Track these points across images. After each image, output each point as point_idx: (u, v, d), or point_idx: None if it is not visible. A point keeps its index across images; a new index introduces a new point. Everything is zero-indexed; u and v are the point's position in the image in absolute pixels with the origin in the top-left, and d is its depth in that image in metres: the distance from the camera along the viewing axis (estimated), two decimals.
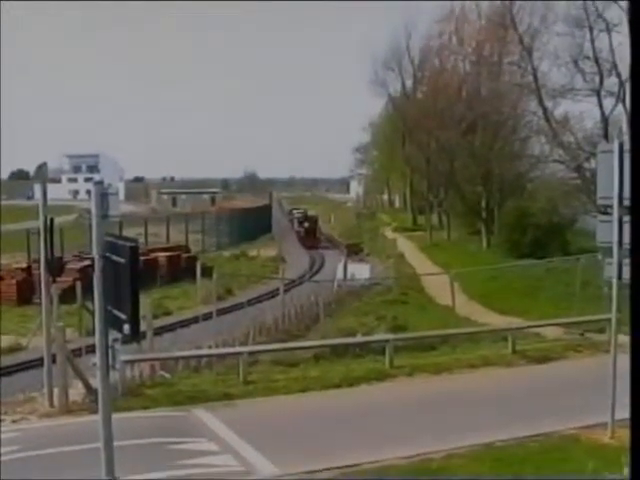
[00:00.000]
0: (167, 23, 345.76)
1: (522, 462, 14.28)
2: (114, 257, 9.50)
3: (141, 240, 52.28)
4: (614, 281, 15.48)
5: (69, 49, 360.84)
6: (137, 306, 9.34)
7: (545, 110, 54.68)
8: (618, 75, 48.84)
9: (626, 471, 12.18)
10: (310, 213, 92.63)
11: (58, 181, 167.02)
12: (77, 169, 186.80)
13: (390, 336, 24.06)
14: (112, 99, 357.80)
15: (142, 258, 36.91)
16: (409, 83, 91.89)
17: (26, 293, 37.67)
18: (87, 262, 31.93)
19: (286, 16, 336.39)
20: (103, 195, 9.65)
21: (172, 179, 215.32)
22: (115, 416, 10.29)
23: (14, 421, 17.42)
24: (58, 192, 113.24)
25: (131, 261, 9.23)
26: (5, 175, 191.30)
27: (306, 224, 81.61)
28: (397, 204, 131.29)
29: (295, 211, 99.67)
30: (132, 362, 19.56)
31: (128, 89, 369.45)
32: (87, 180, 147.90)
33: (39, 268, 20.30)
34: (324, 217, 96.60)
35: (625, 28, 46.07)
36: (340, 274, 45.42)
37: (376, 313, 33.74)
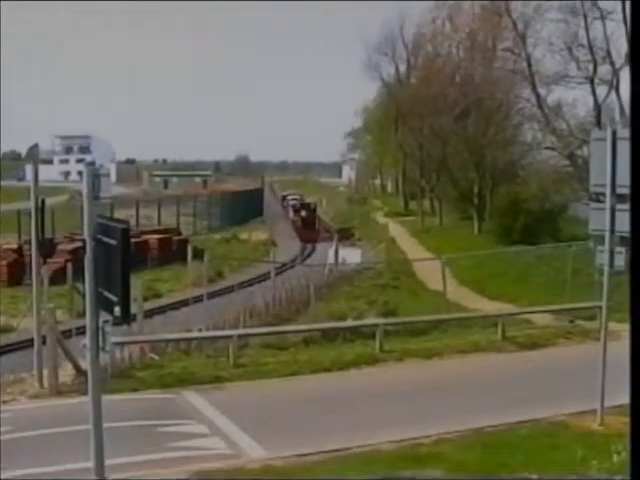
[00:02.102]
0: (159, 5, 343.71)
1: (511, 448, 14.31)
2: (105, 239, 9.45)
3: (132, 222, 52.22)
4: (605, 269, 15.50)
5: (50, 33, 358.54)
6: (128, 288, 9.30)
7: (538, 97, 54.70)
8: (612, 63, 48.87)
9: (615, 458, 12.26)
10: (308, 200, 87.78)
11: (50, 162, 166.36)
12: (69, 150, 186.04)
13: (381, 320, 24.09)
14: (103, 81, 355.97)
15: (133, 240, 36.89)
16: (402, 68, 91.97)
17: (17, 274, 37.63)
18: (78, 244, 31.93)
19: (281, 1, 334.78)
20: (95, 176, 9.60)
21: (164, 161, 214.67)
22: (105, 398, 10.28)
23: (4, 402, 17.40)
24: (49, 173, 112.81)
25: (122, 243, 9.18)
26: None
27: (303, 213, 74.33)
28: (389, 189, 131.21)
29: (290, 197, 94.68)
30: (122, 344, 19.53)
31: (119, 71, 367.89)
32: (79, 161, 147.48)
33: (30, 249, 20.26)
34: (316, 201, 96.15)
35: (619, 16, 46.08)
36: (331, 258, 45.44)
37: (367, 297, 33.75)
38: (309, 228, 69.73)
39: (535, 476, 12.68)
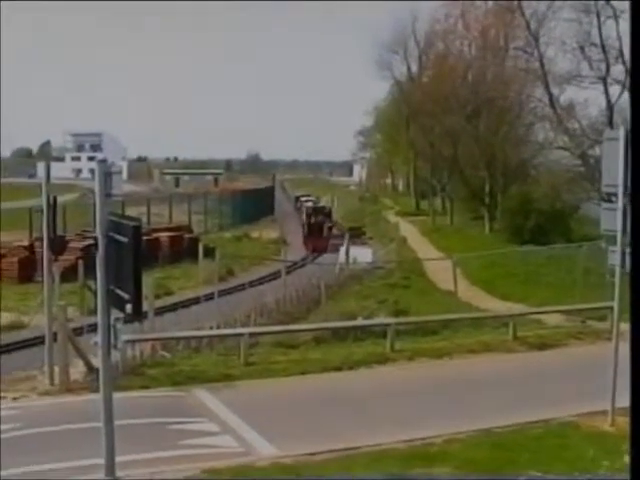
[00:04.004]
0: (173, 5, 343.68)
1: (521, 448, 14.30)
2: (117, 236, 9.48)
3: (143, 220, 52.19)
4: (617, 269, 15.46)
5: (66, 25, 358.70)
6: (140, 286, 9.32)
7: (550, 96, 54.51)
8: (624, 63, 48.66)
9: (626, 459, 12.21)
10: (322, 201, 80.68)
11: (61, 159, 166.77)
12: (80, 148, 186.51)
13: (391, 320, 24.07)
14: (116, 78, 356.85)
15: (144, 238, 36.91)
16: (414, 67, 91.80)
17: (28, 271, 37.66)
18: (89, 241, 31.90)
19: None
20: (107, 174, 9.63)
21: (175, 159, 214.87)
22: (116, 395, 10.30)
23: (15, 398, 17.46)
24: (61, 170, 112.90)
25: (134, 241, 9.21)
26: (8, 153, 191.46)
27: (312, 219, 63.07)
28: (400, 188, 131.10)
29: (303, 198, 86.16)
30: (133, 342, 19.57)
31: (133, 69, 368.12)
32: (90, 159, 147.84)
33: (41, 246, 20.29)
34: (327, 200, 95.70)
35: None
36: (342, 257, 45.41)
37: (377, 297, 33.66)
38: (316, 236, 59.68)
39: (538, 474, 12.67)
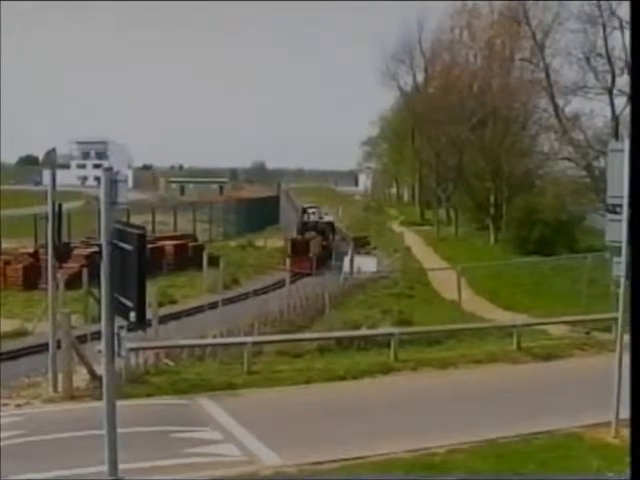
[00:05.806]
0: (170, 12, 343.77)
1: (525, 459, 14.25)
2: (121, 244, 9.48)
3: (148, 228, 52.25)
4: (622, 280, 15.44)
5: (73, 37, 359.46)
6: (144, 294, 9.32)
7: (556, 107, 54.56)
8: (630, 74, 48.70)
9: (628, 471, 12.18)
10: (324, 211, 73.81)
11: (67, 167, 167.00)
12: (86, 155, 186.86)
13: (395, 330, 24.01)
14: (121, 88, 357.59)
15: (149, 246, 36.92)
16: (420, 77, 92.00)
17: (32, 278, 37.73)
18: (94, 248, 31.97)
19: (296, 6, 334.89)
20: (112, 182, 9.63)
21: (180, 167, 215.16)
22: (119, 403, 10.28)
23: (18, 405, 17.45)
24: (66, 178, 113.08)
25: (138, 249, 9.21)
26: (14, 160, 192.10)
27: (299, 236, 56.20)
28: (405, 198, 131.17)
29: (311, 210, 73.52)
30: (137, 350, 19.55)
31: (138, 78, 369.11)
32: (96, 167, 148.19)
33: (46, 253, 20.32)
34: (332, 210, 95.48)
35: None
36: (347, 267, 45.39)
37: (382, 306, 33.67)
38: (299, 256, 49.80)
39: (539, 477, 12.65)
